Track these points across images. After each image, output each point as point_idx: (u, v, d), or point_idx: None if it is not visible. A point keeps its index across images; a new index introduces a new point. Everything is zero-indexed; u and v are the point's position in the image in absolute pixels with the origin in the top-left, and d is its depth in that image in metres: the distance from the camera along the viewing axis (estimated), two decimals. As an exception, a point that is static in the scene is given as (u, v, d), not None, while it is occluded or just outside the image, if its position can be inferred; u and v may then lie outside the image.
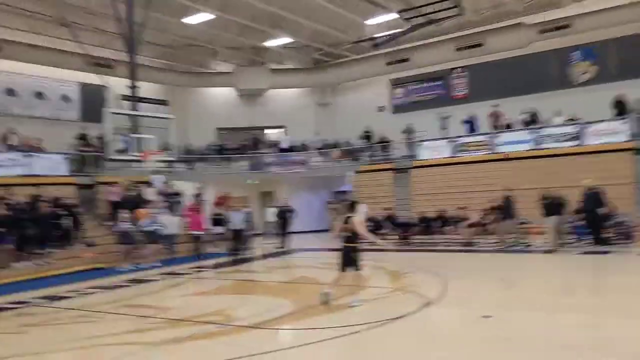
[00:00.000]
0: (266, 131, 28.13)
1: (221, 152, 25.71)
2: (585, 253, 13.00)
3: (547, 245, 13.74)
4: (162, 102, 26.01)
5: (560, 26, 20.52)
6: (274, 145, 26.04)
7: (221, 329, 7.16)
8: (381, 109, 26.50)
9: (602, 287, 9.57)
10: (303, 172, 24.52)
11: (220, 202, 18.43)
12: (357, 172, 22.87)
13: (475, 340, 6.09)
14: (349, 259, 8.14)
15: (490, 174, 18.47)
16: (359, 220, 8.28)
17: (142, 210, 15.33)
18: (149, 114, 18.75)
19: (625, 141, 17.30)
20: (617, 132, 17.69)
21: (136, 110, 18.32)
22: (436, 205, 17.71)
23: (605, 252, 12.72)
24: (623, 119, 17.72)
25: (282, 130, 27.71)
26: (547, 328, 6.44)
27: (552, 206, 14.03)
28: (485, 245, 15.39)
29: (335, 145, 25.24)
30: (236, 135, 27.17)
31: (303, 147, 25.34)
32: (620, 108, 18.02)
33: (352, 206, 8.56)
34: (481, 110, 21.09)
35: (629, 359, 5.11)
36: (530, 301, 8.29)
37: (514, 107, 20.42)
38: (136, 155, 16.77)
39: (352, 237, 8.15)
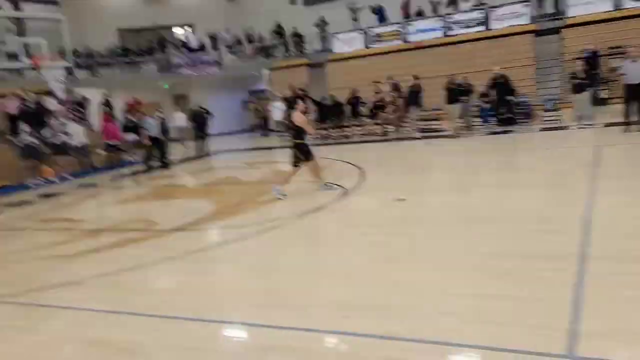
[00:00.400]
0: (173, 30, 26.48)
1: (125, 55, 24.09)
2: (491, 134, 13.83)
3: (453, 130, 14.45)
4: (50, 1, 23.52)
5: None
6: (183, 45, 24.67)
7: (144, 235, 7.12)
8: (293, 1, 25.50)
9: (507, 164, 10.31)
10: (217, 73, 23.65)
11: (132, 108, 17.56)
12: (272, 69, 22.37)
13: (392, 219, 6.48)
14: (301, 154, 8.36)
15: (404, 63, 18.69)
16: (298, 114, 8.41)
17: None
18: (34, 14, 16.95)
19: (526, 24, 17.94)
20: (519, 14, 18.22)
21: (19, 10, 16.48)
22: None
23: (509, 132, 13.60)
24: (525, 1, 18.21)
25: (189, 28, 26.19)
26: (458, 206, 6.93)
27: (457, 92, 14.65)
28: (397, 134, 15.91)
29: (249, 41, 24.29)
30: (140, 36, 25.43)
31: (213, 45, 24.19)
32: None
33: (293, 102, 8.66)
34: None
35: (531, 222, 5.66)
36: (440, 183, 8.84)
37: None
38: (26, 62, 15.34)
39: (297, 132, 8.35)
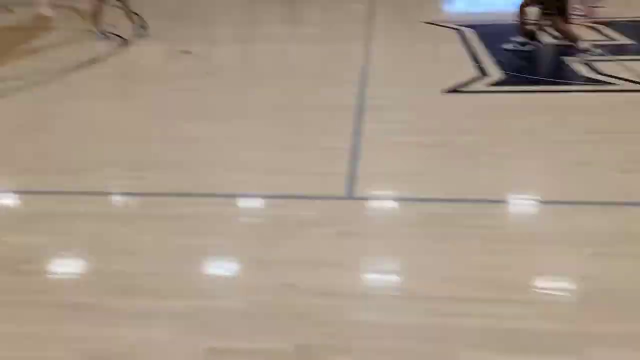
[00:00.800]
0: None
1: None
2: None
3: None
4: None
5: None
6: None
7: None
8: None
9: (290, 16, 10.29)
10: None
11: None
12: None
13: (177, 74, 6.14)
14: None
15: None
16: None
17: None
18: None
19: None
20: None
21: None
22: None
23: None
24: None
25: None
26: (242, 60, 6.82)
27: None
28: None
29: None
30: None
31: None
32: None
33: None
34: None
35: (311, 78, 5.88)
36: (226, 35, 8.56)
37: None
38: None
39: None
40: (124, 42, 7.49)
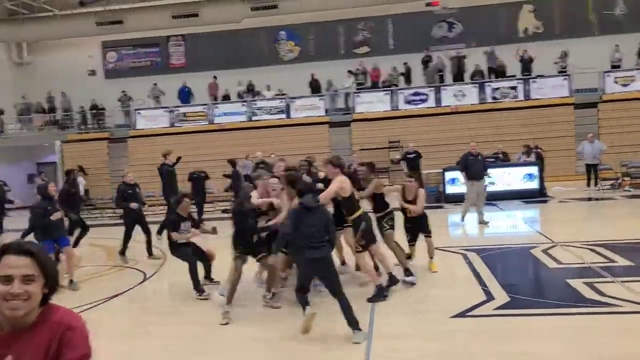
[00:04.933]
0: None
1: None
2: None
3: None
4: None
5: (268, 6, 21.75)
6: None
7: None
8: (92, 73, 24.52)
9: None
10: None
11: None
12: (65, 141, 20.89)
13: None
14: None
15: (211, 144, 19.08)
16: None
17: None
18: None
19: (321, 115, 19.89)
20: (316, 107, 20.14)
21: None
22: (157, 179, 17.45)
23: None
24: (320, 96, 20.25)
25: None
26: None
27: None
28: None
29: (42, 110, 22.40)
30: None
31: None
32: (315, 86, 20.52)
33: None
34: (199, 80, 21.36)
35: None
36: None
37: (231, 80, 21.31)
38: None
39: None
40: (145, 277, 7.92)
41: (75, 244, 9.37)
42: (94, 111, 21.66)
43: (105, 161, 20.25)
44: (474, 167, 10.60)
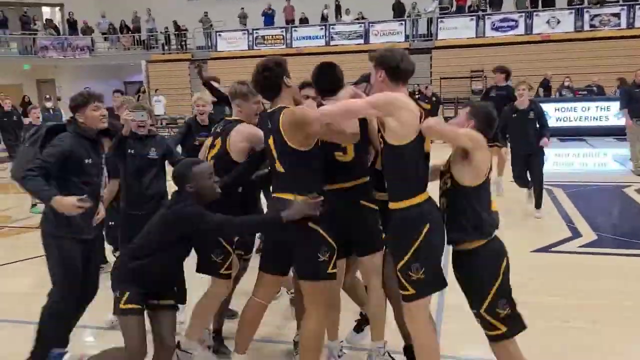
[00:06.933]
0: (43, 10, 24.30)
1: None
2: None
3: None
4: None
5: None
6: (50, 25, 22.73)
7: None
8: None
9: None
10: (87, 59, 22.13)
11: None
12: (149, 61, 21.49)
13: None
14: None
15: (289, 68, 18.93)
16: None
17: None
18: None
19: (401, 42, 19.15)
20: (396, 32, 19.39)
21: None
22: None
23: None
24: (401, 21, 19.42)
25: (58, 8, 24.24)
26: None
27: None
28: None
29: (126, 30, 23.01)
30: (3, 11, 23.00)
31: (86, 30, 22.59)
32: (398, 10, 19.67)
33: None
34: (278, 3, 21.00)
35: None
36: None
37: (310, 2, 20.82)
38: None
39: None
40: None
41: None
42: (176, 32, 21.98)
43: (187, 82, 20.70)
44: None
